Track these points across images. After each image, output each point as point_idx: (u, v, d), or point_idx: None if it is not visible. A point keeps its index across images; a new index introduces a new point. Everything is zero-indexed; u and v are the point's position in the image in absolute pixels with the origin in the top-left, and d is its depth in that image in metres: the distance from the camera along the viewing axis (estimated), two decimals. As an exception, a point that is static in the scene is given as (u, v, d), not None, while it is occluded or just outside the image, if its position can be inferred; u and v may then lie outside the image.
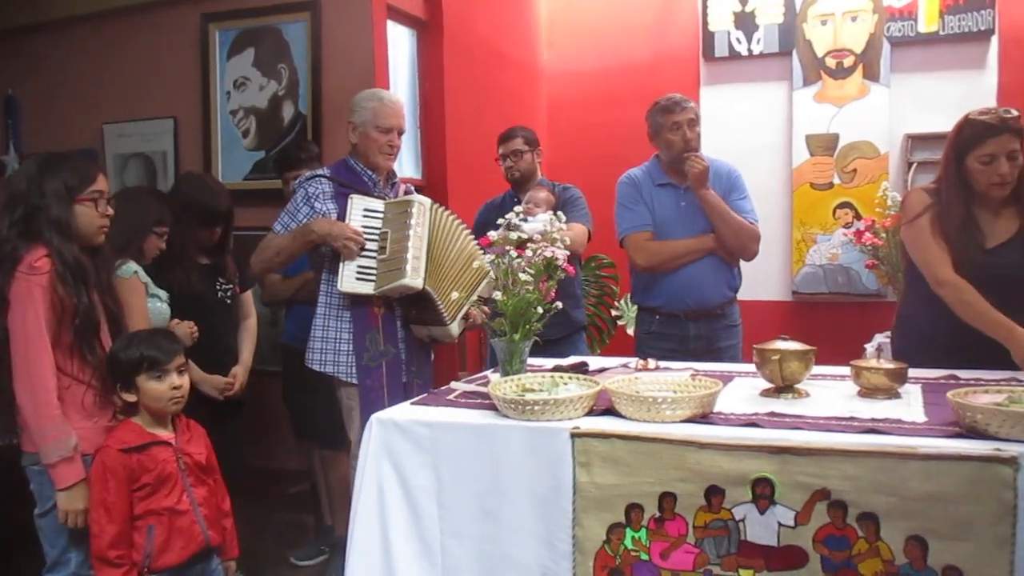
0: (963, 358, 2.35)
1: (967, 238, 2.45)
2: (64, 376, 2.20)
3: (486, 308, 2.44)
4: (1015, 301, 2.40)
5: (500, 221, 2.27)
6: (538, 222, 2.30)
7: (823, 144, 4.81)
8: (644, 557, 1.80)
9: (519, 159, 3.59)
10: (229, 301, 3.13)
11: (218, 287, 3.10)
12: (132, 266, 2.64)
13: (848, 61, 4.75)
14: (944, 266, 2.45)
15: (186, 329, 2.78)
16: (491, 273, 2.26)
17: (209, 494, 2.31)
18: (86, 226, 2.27)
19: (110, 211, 2.32)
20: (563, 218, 2.33)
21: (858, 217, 4.68)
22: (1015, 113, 2.43)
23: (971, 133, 2.44)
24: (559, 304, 2.27)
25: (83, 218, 2.27)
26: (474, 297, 2.77)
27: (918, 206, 2.55)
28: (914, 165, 4.66)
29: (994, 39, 4.53)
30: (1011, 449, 1.56)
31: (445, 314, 2.77)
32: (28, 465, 2.23)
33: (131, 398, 2.22)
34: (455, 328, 2.82)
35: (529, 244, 2.22)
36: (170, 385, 2.22)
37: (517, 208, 2.32)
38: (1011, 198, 2.47)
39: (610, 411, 1.94)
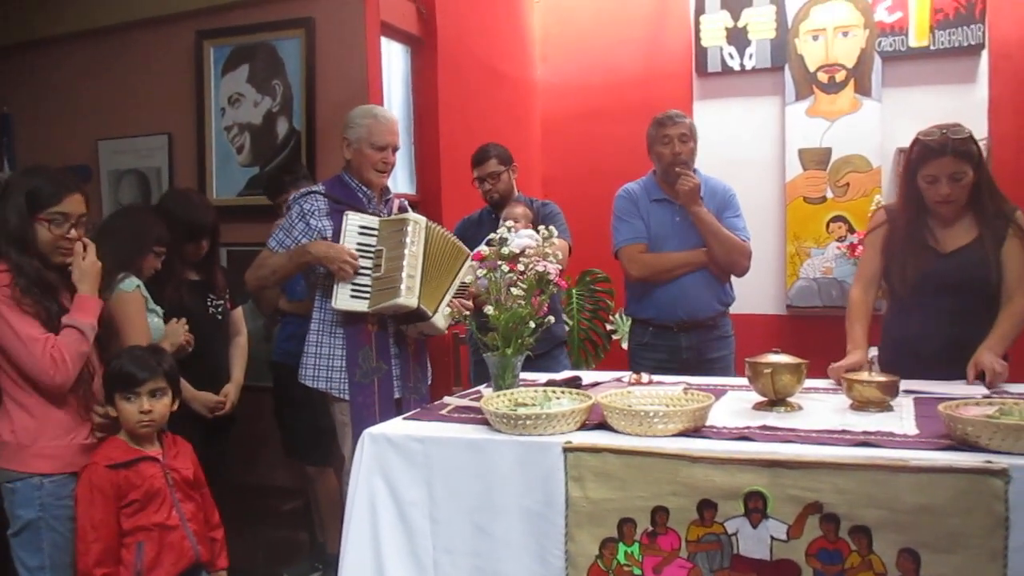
0: (945, 364, 2.41)
1: (918, 246, 2.57)
2: (38, 392, 2.18)
3: (469, 292, 2.43)
4: (973, 306, 2.52)
5: (491, 236, 2.27)
6: (523, 237, 2.30)
7: (816, 158, 4.83)
8: (637, 572, 1.80)
9: (496, 181, 3.56)
10: (220, 317, 3.13)
11: (209, 303, 3.09)
12: (134, 280, 2.64)
13: (840, 76, 4.77)
14: (856, 282, 2.75)
15: (179, 329, 2.77)
16: (470, 258, 2.26)
17: (197, 509, 2.30)
18: (43, 245, 2.22)
19: (73, 234, 2.24)
20: (555, 232, 2.33)
21: (851, 231, 4.70)
22: (963, 134, 2.50)
23: (917, 153, 2.55)
24: (552, 318, 2.28)
25: (40, 236, 2.21)
26: (456, 284, 2.78)
27: (875, 222, 2.75)
28: (906, 179, 4.68)
29: (984, 53, 4.56)
30: (1002, 461, 1.57)
31: (428, 311, 2.77)
32: (1, 482, 2.20)
33: (113, 413, 2.22)
34: (440, 321, 2.82)
35: (521, 259, 2.23)
36: (139, 408, 2.19)
37: (509, 223, 2.33)
38: (968, 209, 2.56)
39: (603, 425, 1.95)
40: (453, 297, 2.83)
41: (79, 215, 2.27)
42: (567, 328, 4.16)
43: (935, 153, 2.49)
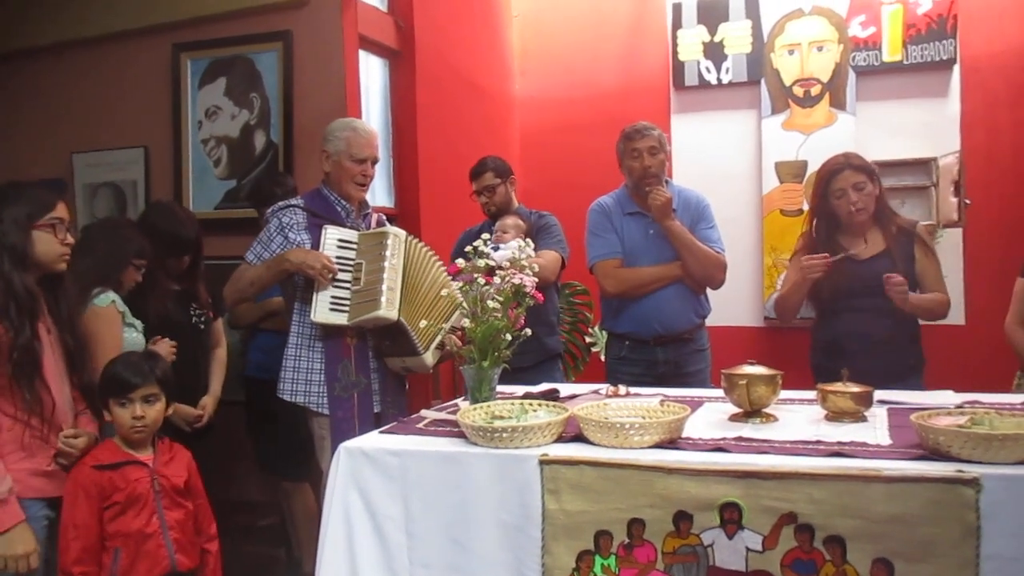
0: (870, 359, 2.71)
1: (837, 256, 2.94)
2: (4, 417, 2.13)
3: (459, 335, 2.44)
4: (888, 307, 2.88)
5: (467, 249, 2.27)
6: (508, 249, 2.31)
7: (792, 171, 4.88)
8: (614, 584, 1.79)
9: (493, 193, 3.57)
10: (203, 327, 3.12)
11: (192, 313, 3.08)
12: (110, 295, 2.63)
13: (815, 90, 4.83)
14: (784, 289, 3.17)
15: (166, 347, 2.76)
16: (464, 305, 2.26)
17: (185, 518, 2.29)
18: (45, 253, 2.23)
19: (70, 239, 2.28)
20: (531, 244, 2.33)
21: (828, 243, 4.74)
22: (860, 156, 3.05)
23: (823, 175, 3.02)
24: (528, 331, 2.27)
25: (42, 244, 2.22)
26: (447, 326, 2.78)
27: (797, 247, 3.17)
28: (880, 191, 4.75)
29: (956, 68, 4.63)
30: (973, 471, 1.58)
31: (419, 344, 2.76)
32: None
33: (108, 418, 2.24)
34: (429, 358, 2.81)
35: (497, 271, 2.23)
36: (131, 414, 2.21)
37: (485, 235, 2.33)
38: (874, 223, 3.00)
39: (579, 438, 1.94)
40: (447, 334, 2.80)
41: (68, 220, 2.30)
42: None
43: (836, 171, 2.96)
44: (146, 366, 2.28)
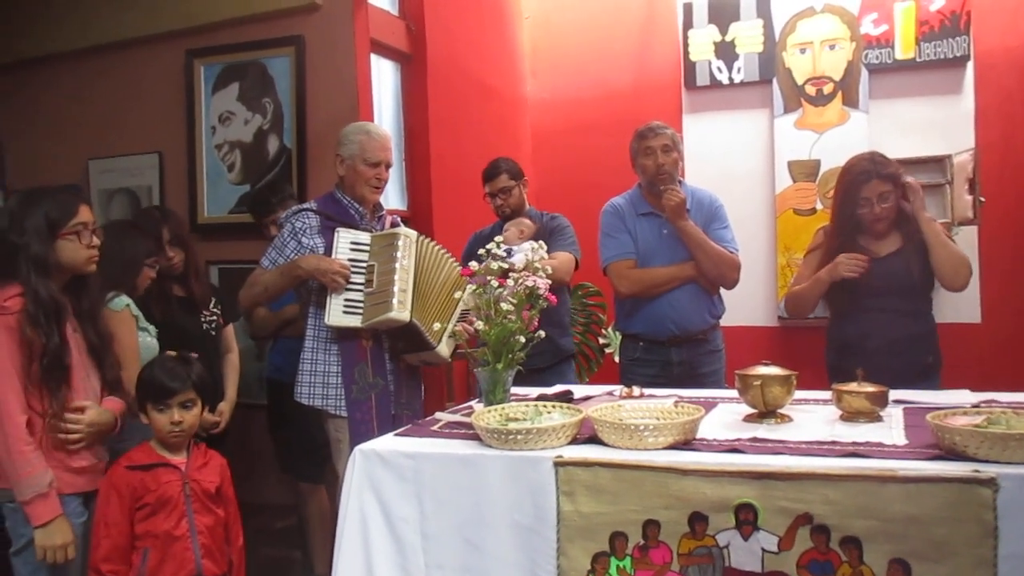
0: (886, 358, 2.71)
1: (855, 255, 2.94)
2: (37, 416, 2.19)
3: (471, 319, 2.44)
4: (902, 306, 2.91)
5: (480, 252, 2.28)
6: (523, 252, 2.31)
7: (805, 170, 4.85)
8: (629, 586, 1.79)
9: (508, 196, 3.57)
10: (214, 333, 3.13)
11: (202, 319, 3.09)
12: (124, 299, 2.66)
13: (827, 88, 4.80)
14: (793, 287, 3.17)
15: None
16: (467, 287, 2.27)
17: (215, 524, 2.31)
18: (72, 260, 2.29)
19: (96, 241, 2.33)
20: (544, 247, 2.34)
21: (842, 242, 4.71)
22: (885, 159, 2.97)
23: (850, 181, 2.98)
24: (542, 333, 2.28)
25: (67, 252, 2.28)
26: (457, 313, 2.79)
27: (815, 243, 3.15)
28: (894, 189, 4.72)
29: (970, 64, 4.59)
30: (990, 470, 1.58)
31: (431, 339, 2.77)
32: (2, 502, 2.21)
33: (146, 420, 2.28)
34: (444, 348, 2.82)
35: (511, 273, 2.23)
36: (169, 419, 2.25)
37: (499, 238, 2.34)
38: (893, 225, 2.98)
39: (593, 439, 1.95)
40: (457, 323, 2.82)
41: (92, 222, 2.34)
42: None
43: (864, 180, 2.91)
44: (183, 371, 2.31)
